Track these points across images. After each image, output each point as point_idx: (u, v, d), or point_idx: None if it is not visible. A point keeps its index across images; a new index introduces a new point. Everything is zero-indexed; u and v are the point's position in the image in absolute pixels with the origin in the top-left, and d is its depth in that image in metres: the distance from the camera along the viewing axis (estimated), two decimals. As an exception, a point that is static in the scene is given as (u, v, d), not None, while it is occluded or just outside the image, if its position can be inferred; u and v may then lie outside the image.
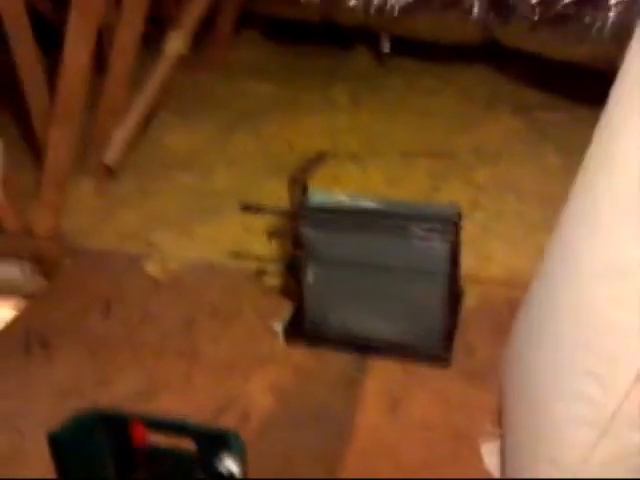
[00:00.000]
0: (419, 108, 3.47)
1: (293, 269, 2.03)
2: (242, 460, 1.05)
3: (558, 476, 1.13)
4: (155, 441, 1.18)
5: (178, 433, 1.12)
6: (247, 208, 1.97)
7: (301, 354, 2.02)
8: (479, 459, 1.64)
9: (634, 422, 1.03)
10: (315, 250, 1.96)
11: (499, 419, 1.68)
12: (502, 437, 1.59)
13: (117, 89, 2.74)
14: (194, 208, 2.76)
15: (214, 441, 1.08)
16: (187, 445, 1.17)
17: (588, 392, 1.10)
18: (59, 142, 2.45)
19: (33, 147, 2.79)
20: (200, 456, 1.10)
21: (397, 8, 3.34)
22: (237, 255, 2.46)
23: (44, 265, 2.55)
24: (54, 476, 1.23)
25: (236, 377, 1.94)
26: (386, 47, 3.76)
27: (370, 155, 3.06)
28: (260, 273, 2.37)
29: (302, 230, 1.95)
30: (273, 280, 2.32)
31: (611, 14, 2.74)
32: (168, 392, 1.91)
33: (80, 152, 2.73)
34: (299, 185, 1.97)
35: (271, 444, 1.73)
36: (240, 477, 1.04)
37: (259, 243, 2.18)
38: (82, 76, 2.38)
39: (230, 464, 1.03)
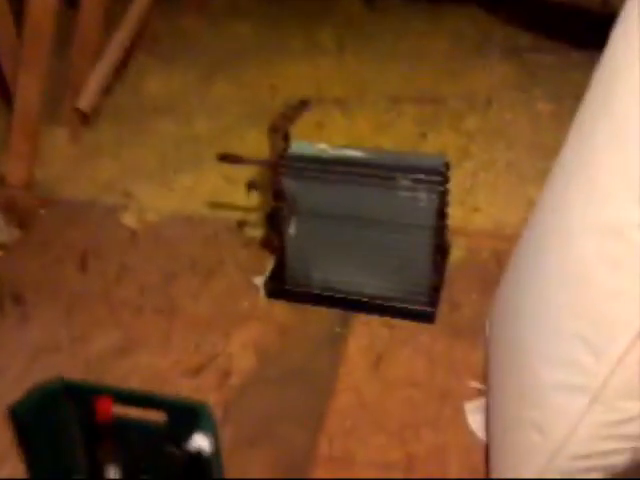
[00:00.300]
0: (408, 53, 3.35)
1: (274, 222, 1.95)
2: (213, 434, 1.00)
3: (544, 443, 1.08)
4: (123, 413, 1.13)
5: (146, 406, 1.06)
6: (224, 158, 1.88)
7: (282, 310, 1.96)
8: (463, 418, 1.61)
9: (627, 390, 0.98)
10: (296, 202, 1.88)
11: (485, 377, 1.64)
12: (487, 395, 1.55)
13: (91, 28, 2.60)
14: (173, 157, 2.66)
15: (184, 414, 1.02)
16: (157, 417, 1.12)
17: (577, 357, 1.04)
18: (28, 86, 2.33)
19: (4, 92, 2.67)
20: (169, 429, 1.04)
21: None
22: (217, 206, 2.38)
23: (18, 215, 2.47)
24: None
25: (216, 334, 1.89)
26: (374, -13, 3.62)
27: (356, 101, 2.95)
28: (241, 224, 2.30)
29: (283, 181, 1.87)
30: (255, 231, 2.26)
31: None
32: (146, 349, 1.86)
33: (53, 97, 2.62)
34: (280, 133, 1.88)
35: (251, 403, 1.69)
36: (210, 452, 0.99)
37: (240, 193, 2.09)
38: (50, 13, 2.25)
39: (200, 439, 0.98)
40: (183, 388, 1.73)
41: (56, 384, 1.08)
